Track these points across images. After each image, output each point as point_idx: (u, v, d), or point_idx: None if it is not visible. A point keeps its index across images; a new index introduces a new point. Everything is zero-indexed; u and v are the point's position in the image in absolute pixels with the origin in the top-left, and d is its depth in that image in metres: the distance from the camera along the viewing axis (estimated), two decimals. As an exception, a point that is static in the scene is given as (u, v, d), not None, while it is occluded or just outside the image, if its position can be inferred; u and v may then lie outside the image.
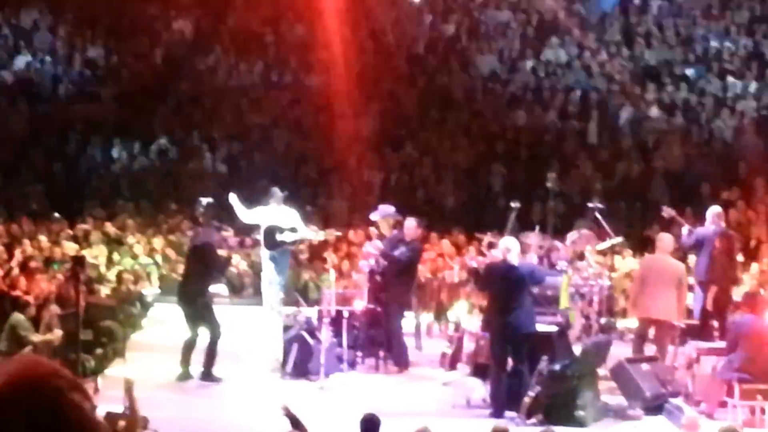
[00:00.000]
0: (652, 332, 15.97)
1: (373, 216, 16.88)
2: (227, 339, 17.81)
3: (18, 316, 15.48)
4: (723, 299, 16.00)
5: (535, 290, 15.10)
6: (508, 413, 13.43)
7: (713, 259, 16.20)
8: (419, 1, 28.84)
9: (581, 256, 17.45)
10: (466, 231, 21.66)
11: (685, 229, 16.75)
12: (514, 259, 13.83)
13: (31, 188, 24.50)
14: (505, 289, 13.73)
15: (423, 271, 18.74)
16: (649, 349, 15.77)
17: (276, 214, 17.03)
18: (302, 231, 17.13)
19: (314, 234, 17.50)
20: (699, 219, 17.84)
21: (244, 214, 17.31)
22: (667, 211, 17.49)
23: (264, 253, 17.18)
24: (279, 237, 16.78)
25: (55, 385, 2.13)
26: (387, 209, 16.82)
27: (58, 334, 15.26)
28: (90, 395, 2.19)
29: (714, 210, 16.70)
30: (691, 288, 16.28)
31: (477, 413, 13.64)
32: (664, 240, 15.92)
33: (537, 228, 17.65)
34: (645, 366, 14.61)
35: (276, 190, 17.37)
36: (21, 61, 26.75)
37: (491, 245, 15.88)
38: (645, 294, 15.47)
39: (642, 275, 15.77)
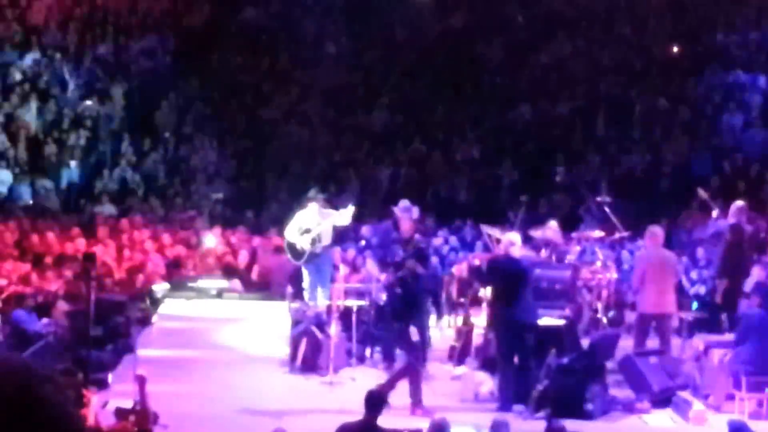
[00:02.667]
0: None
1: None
2: (237, 334, 17.96)
3: (19, 312, 15.65)
4: (733, 292, 16.04)
5: (544, 284, 15.17)
6: (516, 407, 13.50)
7: (724, 253, 16.29)
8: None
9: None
10: (475, 225, 21.72)
11: (715, 213, 16.88)
12: (516, 252, 13.89)
13: (42, 185, 24.57)
14: (506, 283, 13.81)
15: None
16: (652, 343, 15.80)
17: (312, 218, 16.76)
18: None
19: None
20: (706, 213, 17.94)
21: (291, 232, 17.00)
22: (702, 194, 17.58)
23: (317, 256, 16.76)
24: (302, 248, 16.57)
25: (24, 380, 2.12)
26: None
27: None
28: (64, 388, 2.20)
29: (736, 204, 16.80)
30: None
31: (485, 407, 13.67)
32: (657, 233, 15.97)
33: (554, 221, 17.76)
34: (653, 359, 14.67)
35: (314, 192, 17.19)
36: (30, 58, 26.80)
37: (498, 240, 15.95)
38: (648, 289, 15.49)
39: (642, 271, 15.74)
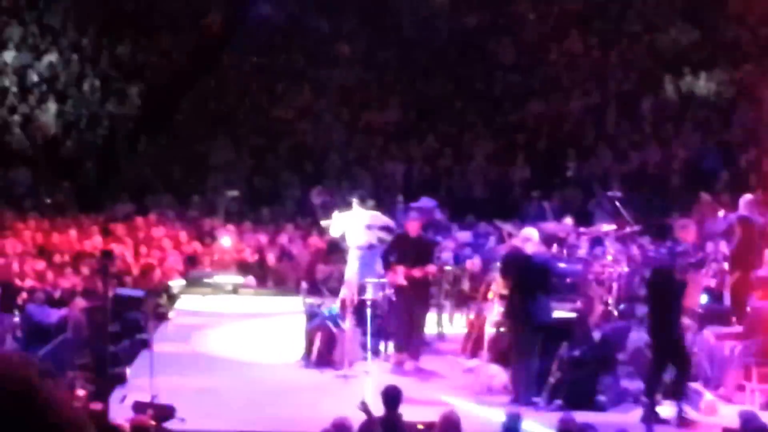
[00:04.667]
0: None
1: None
2: (252, 329, 18.13)
3: (31, 307, 15.87)
4: (743, 285, 16.12)
5: (555, 278, 15.26)
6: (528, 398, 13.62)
7: (736, 245, 16.38)
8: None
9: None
10: (487, 221, 21.85)
11: (721, 213, 16.97)
12: (530, 249, 13.96)
13: (60, 184, 24.81)
14: (520, 279, 13.92)
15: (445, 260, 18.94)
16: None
17: (359, 218, 16.87)
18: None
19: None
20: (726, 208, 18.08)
21: (336, 229, 17.19)
22: (705, 197, 17.70)
23: (354, 254, 16.80)
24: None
25: (23, 375, 2.13)
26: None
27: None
28: (64, 384, 2.21)
29: (745, 198, 16.88)
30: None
31: (499, 399, 13.79)
32: (683, 227, 16.08)
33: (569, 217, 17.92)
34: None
35: (358, 195, 17.35)
36: (48, 59, 27.03)
37: (510, 235, 16.07)
38: None
39: None
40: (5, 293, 16.97)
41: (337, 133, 26.33)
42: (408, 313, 15.57)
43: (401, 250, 15.65)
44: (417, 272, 15.37)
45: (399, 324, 15.62)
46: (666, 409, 13.59)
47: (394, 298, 15.64)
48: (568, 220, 18.50)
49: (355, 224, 16.68)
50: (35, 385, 2.13)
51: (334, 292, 17.05)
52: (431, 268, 15.68)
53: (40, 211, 23.34)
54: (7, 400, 2.09)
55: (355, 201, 17.00)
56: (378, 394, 11.07)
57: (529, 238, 14.05)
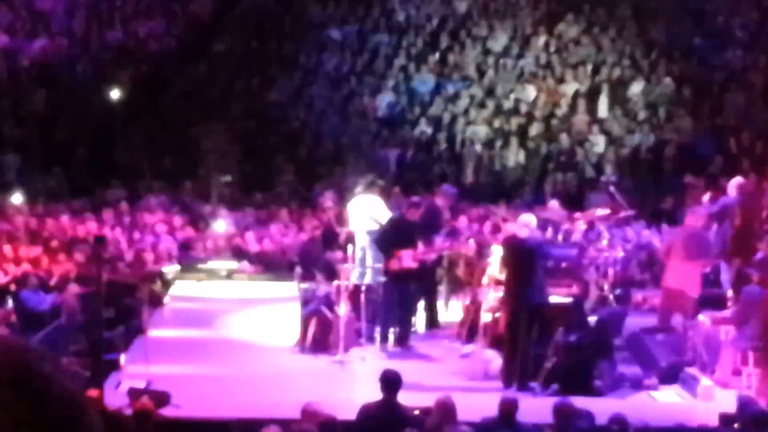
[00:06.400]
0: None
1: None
2: (247, 315, 18.10)
3: (25, 293, 15.84)
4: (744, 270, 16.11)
5: (550, 263, 15.25)
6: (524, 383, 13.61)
7: (735, 231, 16.37)
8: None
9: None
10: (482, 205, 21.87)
11: (706, 197, 16.96)
12: (524, 233, 13.93)
13: (51, 170, 24.72)
14: (515, 263, 13.91)
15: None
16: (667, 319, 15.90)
17: (364, 203, 16.96)
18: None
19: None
20: (712, 191, 18.03)
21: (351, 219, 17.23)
22: (690, 180, 17.71)
23: (358, 240, 16.87)
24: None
25: (22, 359, 2.10)
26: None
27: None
28: (63, 366, 2.16)
29: (736, 181, 16.85)
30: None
31: (494, 385, 13.78)
32: (693, 213, 16.13)
33: (555, 201, 17.90)
34: (660, 336, 14.78)
35: (368, 179, 17.33)
36: (39, 44, 26.93)
37: (505, 220, 16.05)
38: (668, 265, 15.72)
39: (668, 247, 15.99)
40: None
41: (329, 118, 26.27)
42: (407, 298, 15.59)
43: (403, 235, 15.60)
44: (431, 253, 15.41)
45: (392, 311, 15.58)
46: (664, 394, 13.64)
47: (390, 285, 15.58)
48: (554, 203, 18.49)
49: (360, 210, 16.68)
50: (35, 369, 2.08)
51: (330, 278, 17.01)
52: (446, 244, 15.73)
53: (32, 196, 23.24)
54: (7, 384, 2.04)
55: (360, 187, 16.97)
56: (377, 379, 11.01)
57: (526, 224, 14.02)
